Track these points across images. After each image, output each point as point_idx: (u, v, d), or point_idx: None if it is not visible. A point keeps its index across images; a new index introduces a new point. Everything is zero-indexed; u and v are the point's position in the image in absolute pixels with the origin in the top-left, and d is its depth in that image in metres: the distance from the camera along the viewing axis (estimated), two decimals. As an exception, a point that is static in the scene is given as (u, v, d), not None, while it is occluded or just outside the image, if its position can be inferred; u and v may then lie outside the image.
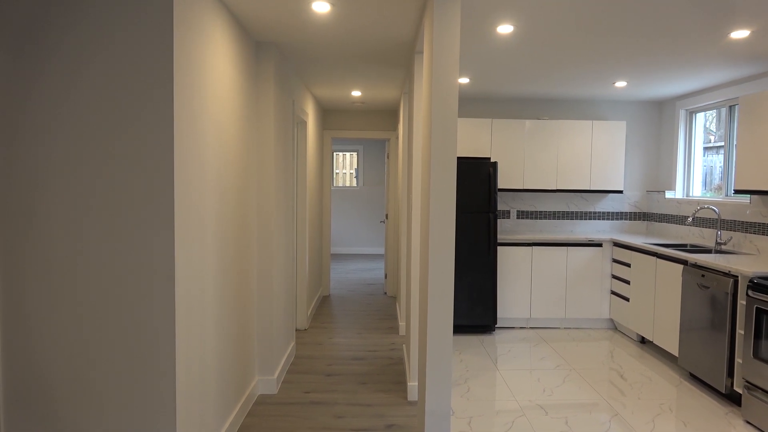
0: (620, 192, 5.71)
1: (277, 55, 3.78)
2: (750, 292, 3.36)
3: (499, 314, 5.47)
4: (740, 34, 3.33)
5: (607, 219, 6.05)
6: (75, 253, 2.23)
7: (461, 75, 4.74)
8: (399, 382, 4.02)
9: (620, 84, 4.97)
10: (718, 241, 4.65)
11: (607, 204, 6.05)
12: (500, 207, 6.02)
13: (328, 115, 6.93)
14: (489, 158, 5.67)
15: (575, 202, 6.03)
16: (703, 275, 3.89)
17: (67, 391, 2.27)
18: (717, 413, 3.53)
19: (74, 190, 2.22)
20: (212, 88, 2.72)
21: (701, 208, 4.89)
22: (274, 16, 3.11)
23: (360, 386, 3.96)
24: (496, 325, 5.56)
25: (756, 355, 3.30)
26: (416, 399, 3.73)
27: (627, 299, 5.10)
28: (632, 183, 6.05)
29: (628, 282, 5.09)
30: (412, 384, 3.72)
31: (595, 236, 5.48)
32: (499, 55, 3.97)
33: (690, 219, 4.66)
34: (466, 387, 3.96)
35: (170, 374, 2.24)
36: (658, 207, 5.83)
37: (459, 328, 5.37)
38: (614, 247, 5.38)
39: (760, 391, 3.28)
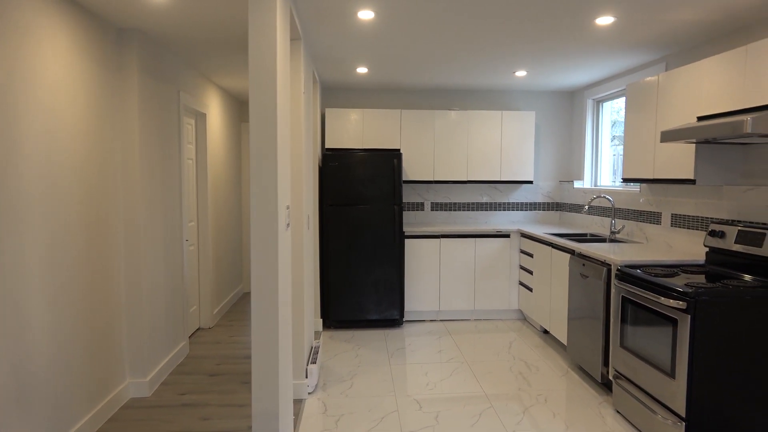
0: (530, 182, 5.69)
1: (143, 42, 3.60)
2: (616, 281, 3.35)
3: (409, 307, 5.40)
4: (605, 20, 3.29)
5: (522, 210, 6.04)
6: None
7: (359, 65, 4.63)
8: (282, 381, 3.91)
9: (520, 73, 4.92)
10: (612, 230, 4.66)
11: (521, 195, 6.03)
12: (414, 199, 5.95)
13: (246, 106, 6.75)
14: (398, 150, 5.59)
15: (489, 193, 5.99)
16: (583, 264, 3.87)
17: None
18: (591, 403, 3.52)
19: None
20: (40, 79, 2.54)
21: (596, 197, 4.89)
22: None
23: (241, 386, 3.84)
24: (405, 319, 5.49)
25: (622, 344, 3.29)
26: (294, 397, 3.62)
27: (531, 290, 5.08)
28: (545, 173, 6.04)
29: (531, 272, 5.08)
30: (288, 382, 3.62)
31: (505, 227, 5.45)
32: (373, 42, 3.87)
33: (586, 208, 4.65)
34: (349, 384, 3.87)
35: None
36: (569, 197, 5.83)
37: (366, 323, 5.29)
38: (521, 238, 5.36)
39: (625, 379, 3.27)
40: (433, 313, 5.50)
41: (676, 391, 2.75)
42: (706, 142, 3.17)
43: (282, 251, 2.48)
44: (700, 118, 3.23)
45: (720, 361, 2.68)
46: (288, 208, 2.71)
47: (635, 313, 3.14)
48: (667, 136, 3.19)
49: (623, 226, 4.63)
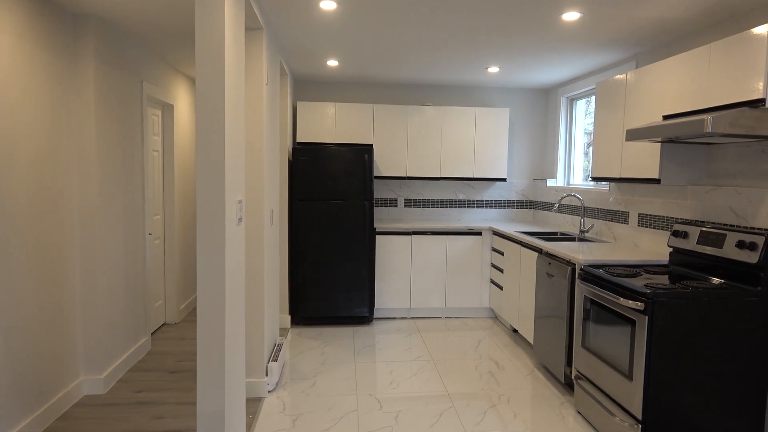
0: (504, 180, 5.65)
1: (101, 29, 3.49)
2: (579, 281, 3.31)
3: (380, 305, 5.34)
4: (571, 15, 3.24)
5: (496, 207, 6.00)
6: None
7: (329, 57, 4.55)
8: (243, 379, 3.83)
9: (493, 69, 4.87)
10: (582, 229, 4.64)
11: (495, 192, 5.99)
12: (387, 195, 5.89)
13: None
14: (371, 145, 5.51)
15: (463, 190, 5.95)
16: (549, 263, 3.84)
17: None
18: (553, 404, 3.49)
19: None
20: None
21: (566, 196, 4.87)
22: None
23: (200, 383, 3.75)
24: (376, 316, 5.43)
25: (584, 344, 3.26)
26: (254, 395, 3.55)
27: (501, 288, 5.05)
28: (520, 171, 6.01)
29: (502, 270, 5.04)
30: (248, 380, 3.54)
31: (477, 224, 5.40)
32: (339, 34, 3.79)
33: (556, 206, 4.62)
34: (312, 382, 3.80)
35: None
36: (543, 195, 5.80)
37: (335, 320, 5.22)
38: (493, 236, 5.32)
39: (586, 380, 3.24)
40: (404, 310, 5.45)
41: (634, 393, 2.72)
42: (671, 141, 3.14)
43: (230, 247, 2.40)
44: (665, 117, 3.20)
45: (677, 363, 2.65)
46: (240, 202, 2.62)
47: (597, 313, 3.10)
48: (632, 135, 3.16)
49: (592, 225, 4.61)
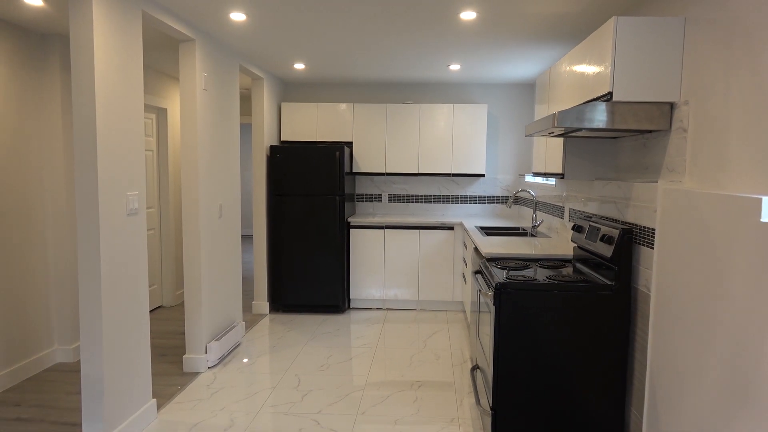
0: (482, 176, 5.69)
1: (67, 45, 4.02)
2: (473, 274, 3.40)
3: (356, 295, 5.59)
4: (468, 15, 3.33)
5: (481, 203, 6.04)
6: None
7: (293, 61, 4.86)
8: (194, 355, 4.25)
9: (454, 67, 4.96)
10: (533, 224, 4.62)
11: (480, 188, 6.03)
12: (372, 191, 6.11)
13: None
14: (349, 143, 5.77)
15: (446, 186, 6.04)
16: (477, 256, 3.92)
17: None
18: (463, 392, 3.58)
19: None
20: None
21: (520, 191, 4.85)
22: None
23: (160, 358, 4.21)
24: (353, 306, 5.69)
25: (478, 335, 3.34)
26: (193, 370, 3.95)
27: (466, 281, 5.13)
28: (504, 166, 6.00)
29: (467, 264, 5.12)
30: (188, 356, 3.94)
31: (452, 220, 5.50)
32: (257, 42, 4.08)
33: (510, 200, 4.64)
34: (253, 361, 4.14)
35: None
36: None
37: (311, 308, 5.53)
38: (465, 231, 5.39)
39: (479, 370, 3.32)
40: (378, 301, 5.66)
41: (490, 381, 2.81)
42: (570, 136, 3.15)
43: (112, 237, 2.78)
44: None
45: (526, 352, 2.70)
46: (137, 194, 3.00)
47: (479, 305, 3.19)
48: (527, 131, 3.20)
49: (542, 221, 4.58)
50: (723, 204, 1.91)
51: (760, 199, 1.69)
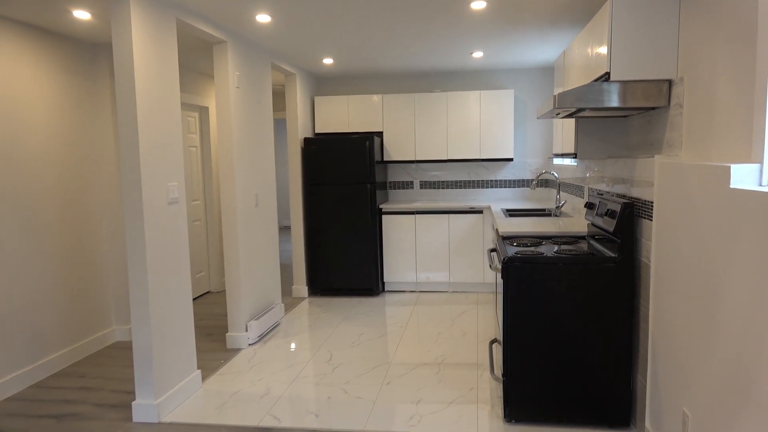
0: (511, 160, 5.80)
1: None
2: (488, 252, 3.55)
3: (389, 278, 5.83)
4: (479, 5, 3.47)
5: (511, 187, 6.14)
6: None
7: (323, 56, 5.11)
8: (237, 334, 4.59)
9: (477, 54, 5.08)
10: (557, 204, 4.71)
11: (510, 172, 6.13)
12: (404, 178, 6.32)
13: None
14: (382, 132, 5.98)
15: (476, 171, 6.17)
16: (497, 236, 4.07)
17: None
18: (484, 367, 3.76)
19: None
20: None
21: (544, 173, 4.93)
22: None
23: (206, 337, 4.58)
24: (387, 289, 5.93)
25: (496, 310, 3.50)
26: (235, 347, 4.29)
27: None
28: (534, 150, 6.07)
29: (495, 247, 5.26)
30: (230, 334, 4.28)
31: (482, 204, 5.64)
32: (288, 39, 4.33)
33: (534, 183, 4.75)
34: (291, 339, 4.45)
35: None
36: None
37: (347, 291, 5.80)
38: (493, 214, 5.52)
39: (498, 343, 3.49)
40: (411, 284, 5.87)
41: (503, 350, 2.98)
42: (577, 116, 3.26)
43: (156, 223, 3.11)
44: (571, 94, 3.31)
45: (536, 323, 2.86)
46: (176, 184, 3.32)
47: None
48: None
49: (565, 201, 4.66)
50: (700, 173, 2.02)
51: (729, 167, 1.80)
